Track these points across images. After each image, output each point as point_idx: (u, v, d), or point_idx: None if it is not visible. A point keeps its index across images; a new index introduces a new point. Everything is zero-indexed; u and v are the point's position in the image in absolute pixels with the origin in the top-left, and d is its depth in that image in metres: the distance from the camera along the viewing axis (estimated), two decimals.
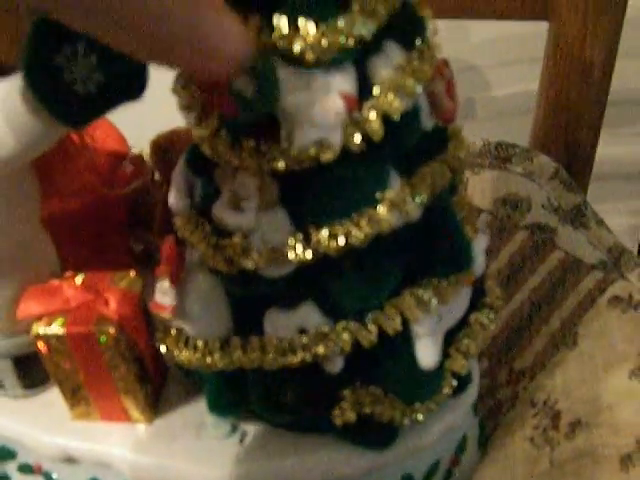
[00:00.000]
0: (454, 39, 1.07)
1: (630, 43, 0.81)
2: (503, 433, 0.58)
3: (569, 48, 0.71)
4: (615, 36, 0.70)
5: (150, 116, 0.70)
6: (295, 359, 0.47)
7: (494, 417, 0.59)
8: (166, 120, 0.65)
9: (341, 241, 0.43)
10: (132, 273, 0.53)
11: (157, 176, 0.63)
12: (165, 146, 0.59)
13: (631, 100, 1.08)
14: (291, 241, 0.44)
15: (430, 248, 0.48)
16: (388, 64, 0.43)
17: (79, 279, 0.52)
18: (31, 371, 0.56)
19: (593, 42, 0.70)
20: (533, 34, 0.79)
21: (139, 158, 0.63)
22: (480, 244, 0.51)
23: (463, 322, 0.52)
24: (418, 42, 0.45)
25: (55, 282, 0.52)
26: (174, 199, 0.49)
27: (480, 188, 0.69)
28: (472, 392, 0.54)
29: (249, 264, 0.44)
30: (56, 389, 0.56)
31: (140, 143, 0.65)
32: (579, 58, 0.70)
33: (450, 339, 0.51)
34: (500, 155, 0.73)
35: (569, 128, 0.74)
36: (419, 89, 0.44)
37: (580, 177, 0.76)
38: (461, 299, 0.51)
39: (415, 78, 0.43)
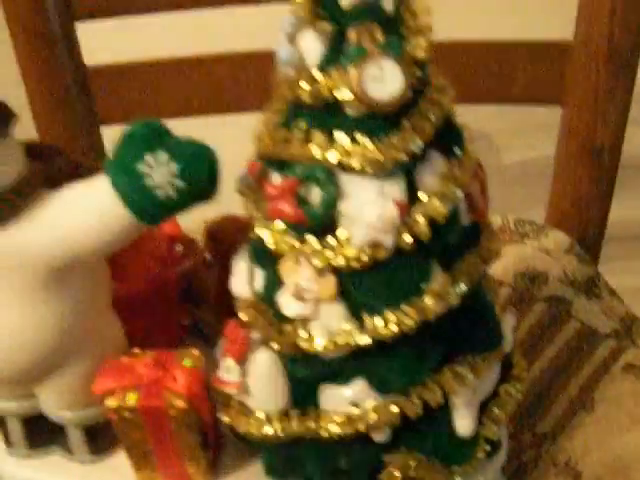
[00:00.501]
0: (465, 107, 1.15)
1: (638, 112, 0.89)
2: None
3: (580, 133, 0.79)
4: (623, 120, 0.78)
5: None
6: (349, 429, 0.54)
7: (519, 477, 0.66)
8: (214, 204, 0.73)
9: (393, 328, 0.51)
10: (195, 352, 0.60)
11: (208, 257, 0.71)
12: (219, 233, 0.67)
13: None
14: (348, 328, 0.51)
15: (467, 329, 0.55)
16: (433, 173, 0.51)
17: (148, 357, 0.59)
18: (99, 438, 0.63)
19: (603, 127, 0.78)
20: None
21: (191, 240, 0.71)
22: (509, 323, 0.59)
23: (494, 393, 0.59)
24: (457, 151, 0.53)
25: (127, 359, 0.59)
26: (237, 285, 0.57)
27: (501, 262, 0.76)
28: (501, 455, 0.61)
29: (313, 348, 0.51)
30: (121, 454, 0.63)
31: (187, 223, 0.73)
32: (590, 142, 0.79)
33: (483, 409, 0.58)
34: (518, 231, 0.81)
35: (581, 206, 0.82)
36: (460, 195, 0.52)
37: (592, 249, 0.83)
38: (493, 373, 0.58)
39: (456, 185, 0.51)
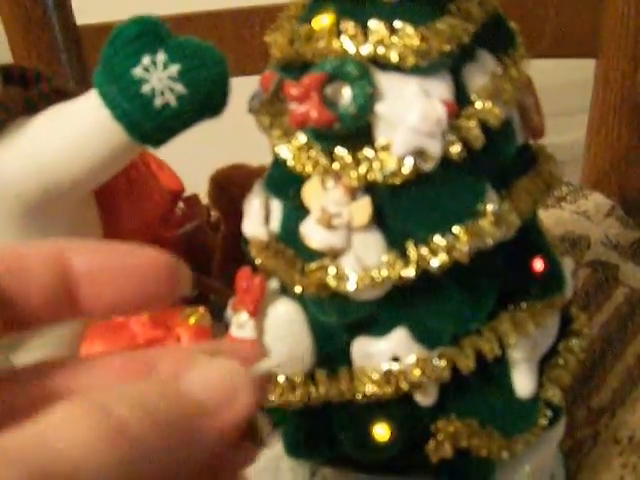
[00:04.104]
0: None
1: None
2: (588, 474, 0.53)
3: (618, 84, 0.69)
4: None
5: (202, 155, 0.67)
6: (389, 389, 0.43)
7: (575, 457, 0.54)
8: (219, 158, 0.62)
9: (443, 257, 0.40)
10: (201, 309, 0.49)
11: (213, 217, 0.60)
12: (225, 182, 0.56)
13: None
14: (390, 260, 0.40)
15: (524, 268, 0.44)
16: (483, 72, 0.41)
17: (145, 315, 0.48)
18: None
19: None
20: (575, 84, 0.77)
21: (194, 199, 0.60)
22: (569, 266, 0.48)
23: (552, 351, 0.48)
24: (511, 50, 0.42)
25: (120, 318, 0.48)
26: (250, 227, 0.46)
27: None
28: (559, 427, 0.50)
29: (344, 287, 0.40)
30: None
31: (191, 183, 0.62)
32: (629, 94, 0.68)
33: (542, 368, 0.47)
34: (554, 194, 0.70)
35: (621, 164, 0.72)
36: (516, 96, 0.41)
37: (635, 211, 0.73)
38: (553, 324, 0.47)
39: (512, 86, 0.41)
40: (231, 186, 0.56)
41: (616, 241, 0.67)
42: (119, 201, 0.50)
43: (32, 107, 0.46)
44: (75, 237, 0.47)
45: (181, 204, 0.59)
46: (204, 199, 0.61)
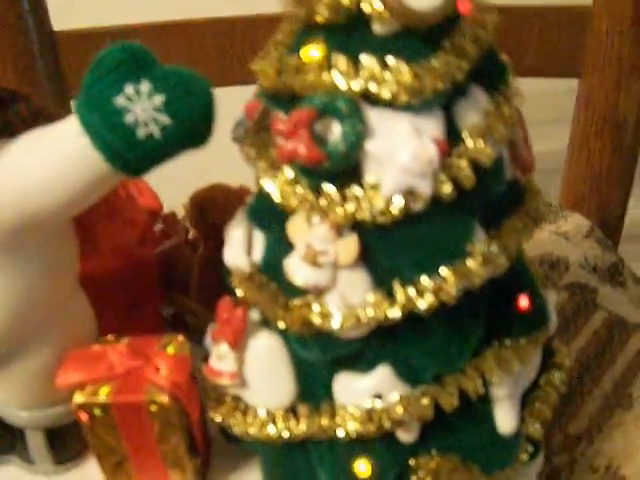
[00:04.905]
0: None
1: None
2: None
3: (601, 105, 0.68)
4: None
5: (180, 171, 0.65)
6: (372, 427, 0.42)
7: None
8: (198, 174, 0.60)
9: (430, 299, 0.39)
10: (180, 337, 0.47)
11: (191, 236, 0.59)
12: (205, 203, 0.55)
13: None
14: (374, 299, 0.39)
15: (509, 305, 0.44)
16: (475, 108, 0.40)
17: (124, 343, 0.47)
18: (63, 445, 0.50)
19: (626, 98, 0.67)
20: (557, 94, 0.76)
21: (172, 217, 0.58)
22: (552, 299, 0.47)
23: (534, 384, 0.48)
24: (503, 86, 0.41)
25: (98, 347, 0.47)
26: (232, 256, 0.44)
27: None
28: (539, 459, 0.49)
29: (329, 326, 0.39)
30: (89, 464, 0.50)
31: (168, 199, 0.60)
32: (611, 115, 0.68)
33: (523, 402, 0.46)
34: None
35: (601, 186, 0.71)
36: (508, 134, 0.40)
37: (612, 235, 0.72)
38: (536, 359, 0.46)
39: (504, 124, 0.40)
40: (210, 208, 0.54)
41: (594, 263, 0.66)
42: (96, 223, 0.48)
43: (9, 129, 0.44)
44: (50, 256, 0.46)
45: (159, 222, 0.57)
46: (181, 214, 0.59)
